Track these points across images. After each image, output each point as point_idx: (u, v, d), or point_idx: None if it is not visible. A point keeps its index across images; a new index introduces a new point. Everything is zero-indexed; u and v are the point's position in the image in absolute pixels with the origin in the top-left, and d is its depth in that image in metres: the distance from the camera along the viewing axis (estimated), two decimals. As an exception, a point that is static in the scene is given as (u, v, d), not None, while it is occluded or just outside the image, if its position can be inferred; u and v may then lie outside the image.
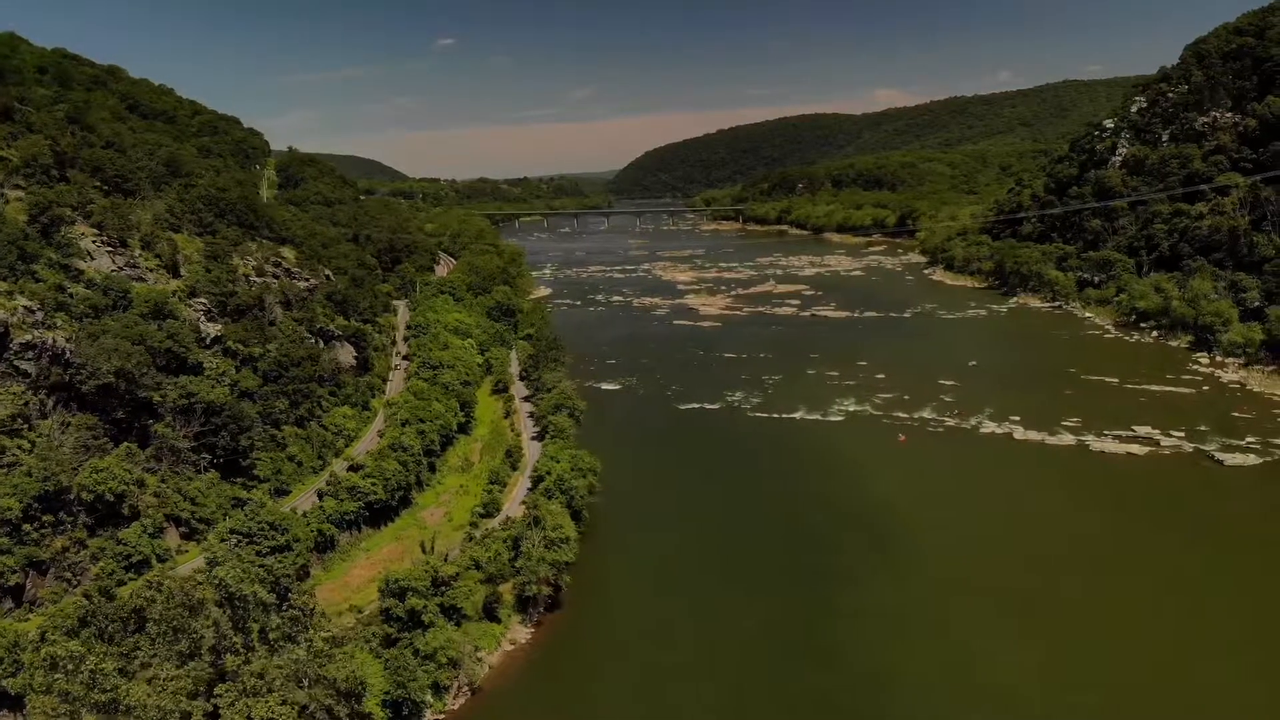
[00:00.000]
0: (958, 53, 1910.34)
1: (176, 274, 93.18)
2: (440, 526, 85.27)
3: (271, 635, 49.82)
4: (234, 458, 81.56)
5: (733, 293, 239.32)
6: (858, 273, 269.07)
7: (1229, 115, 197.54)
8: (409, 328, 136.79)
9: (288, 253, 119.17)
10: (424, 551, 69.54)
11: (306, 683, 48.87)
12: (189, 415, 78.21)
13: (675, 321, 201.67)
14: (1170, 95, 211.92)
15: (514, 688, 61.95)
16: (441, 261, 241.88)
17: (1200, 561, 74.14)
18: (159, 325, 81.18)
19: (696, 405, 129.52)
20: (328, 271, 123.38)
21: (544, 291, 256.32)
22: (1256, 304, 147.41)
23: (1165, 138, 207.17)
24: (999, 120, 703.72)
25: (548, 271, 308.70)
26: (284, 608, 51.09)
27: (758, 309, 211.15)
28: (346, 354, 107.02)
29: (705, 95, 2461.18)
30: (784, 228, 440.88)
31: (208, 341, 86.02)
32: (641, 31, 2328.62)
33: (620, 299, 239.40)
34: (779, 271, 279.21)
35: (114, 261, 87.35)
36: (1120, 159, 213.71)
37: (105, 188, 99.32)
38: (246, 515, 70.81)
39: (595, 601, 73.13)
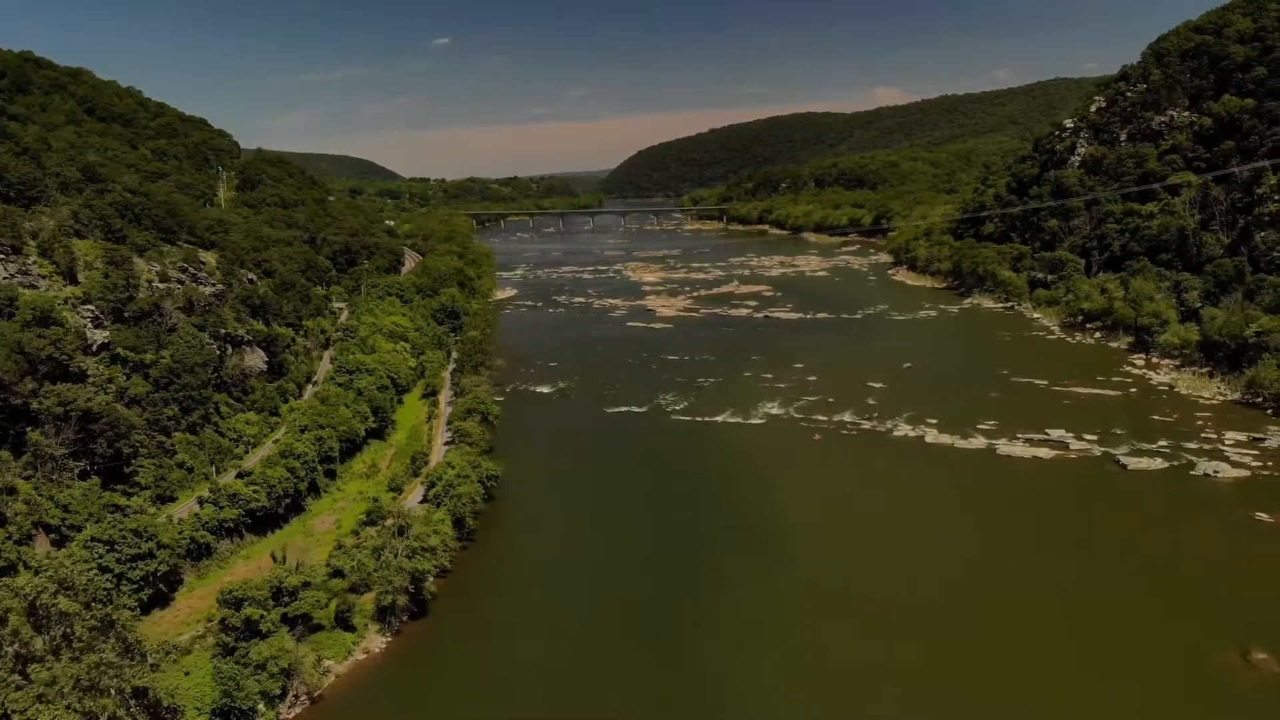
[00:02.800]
0: (955, 51, 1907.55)
1: (74, 281, 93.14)
2: (328, 534, 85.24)
3: (76, 645, 49.76)
4: (116, 465, 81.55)
5: (695, 293, 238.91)
6: (822, 273, 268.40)
7: (1186, 114, 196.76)
8: (339, 330, 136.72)
9: (209, 257, 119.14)
10: (275, 561, 69.50)
11: (112, 690, 48.90)
12: (66, 422, 78.14)
13: (629, 323, 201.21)
14: (1129, 95, 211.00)
15: (358, 695, 61.79)
16: (409, 262, 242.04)
17: (1065, 566, 73.63)
18: (41, 333, 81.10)
19: (625, 409, 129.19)
20: (251, 275, 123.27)
21: (509, 293, 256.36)
22: (1198, 305, 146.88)
23: (1123, 137, 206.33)
24: (989, 118, 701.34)
25: (519, 272, 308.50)
26: (86, 617, 50.90)
27: (714, 310, 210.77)
28: (257, 359, 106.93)
29: (704, 94, 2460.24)
30: (765, 227, 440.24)
31: (94, 348, 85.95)
32: (640, 31, 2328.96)
33: (582, 300, 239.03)
34: (747, 272, 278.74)
35: (4, 269, 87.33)
36: (1079, 159, 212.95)
37: (8, 194, 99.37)
38: (109, 523, 70.68)
39: (464, 609, 72.93)
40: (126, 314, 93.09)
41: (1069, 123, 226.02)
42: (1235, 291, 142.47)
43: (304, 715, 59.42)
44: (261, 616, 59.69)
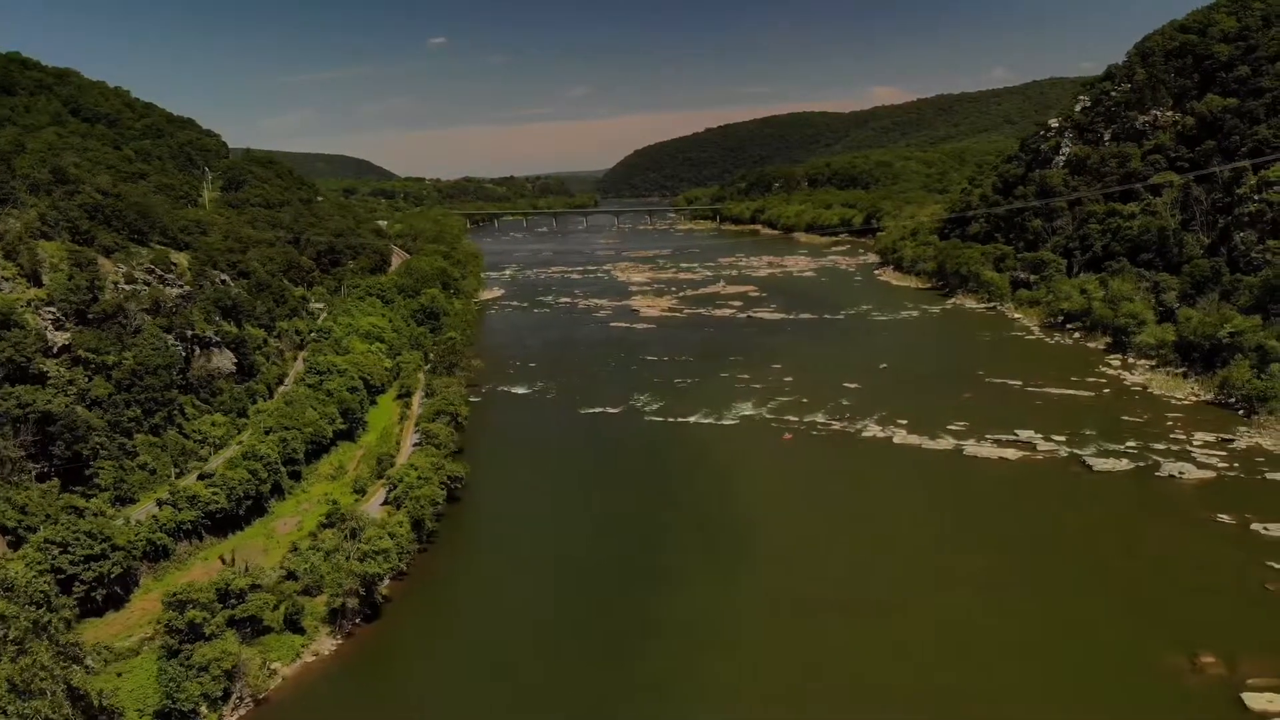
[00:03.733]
0: (954, 50, 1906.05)
1: (38, 283, 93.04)
2: (289, 536, 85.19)
3: (10, 648, 49.80)
4: (77, 466, 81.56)
5: (681, 294, 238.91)
6: (810, 274, 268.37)
7: (1170, 114, 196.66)
8: (313, 331, 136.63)
9: (181, 258, 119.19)
10: (224, 563, 69.53)
11: (47, 692, 48.96)
12: (24, 424, 78.15)
13: (613, 324, 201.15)
14: (1113, 94, 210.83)
15: (304, 697, 61.76)
16: (398, 262, 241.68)
17: (1020, 568, 73.71)
18: (1, 335, 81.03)
19: (599, 409, 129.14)
20: (223, 276, 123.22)
21: (496, 293, 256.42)
22: (1176, 305, 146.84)
23: (1107, 137, 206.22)
24: (985, 118, 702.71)
25: (508, 273, 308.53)
26: (22, 619, 50.94)
27: (698, 311, 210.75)
28: (225, 360, 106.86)
29: (702, 93, 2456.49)
30: (757, 227, 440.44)
31: (55, 350, 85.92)
32: (638, 30, 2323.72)
33: (568, 300, 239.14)
34: (735, 272, 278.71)
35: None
36: (1064, 158, 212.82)
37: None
38: (63, 524, 70.67)
39: (417, 611, 72.90)
40: (90, 316, 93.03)
41: (1054, 122, 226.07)
42: (1212, 292, 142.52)
43: (248, 717, 59.42)
44: (205, 619, 59.66)
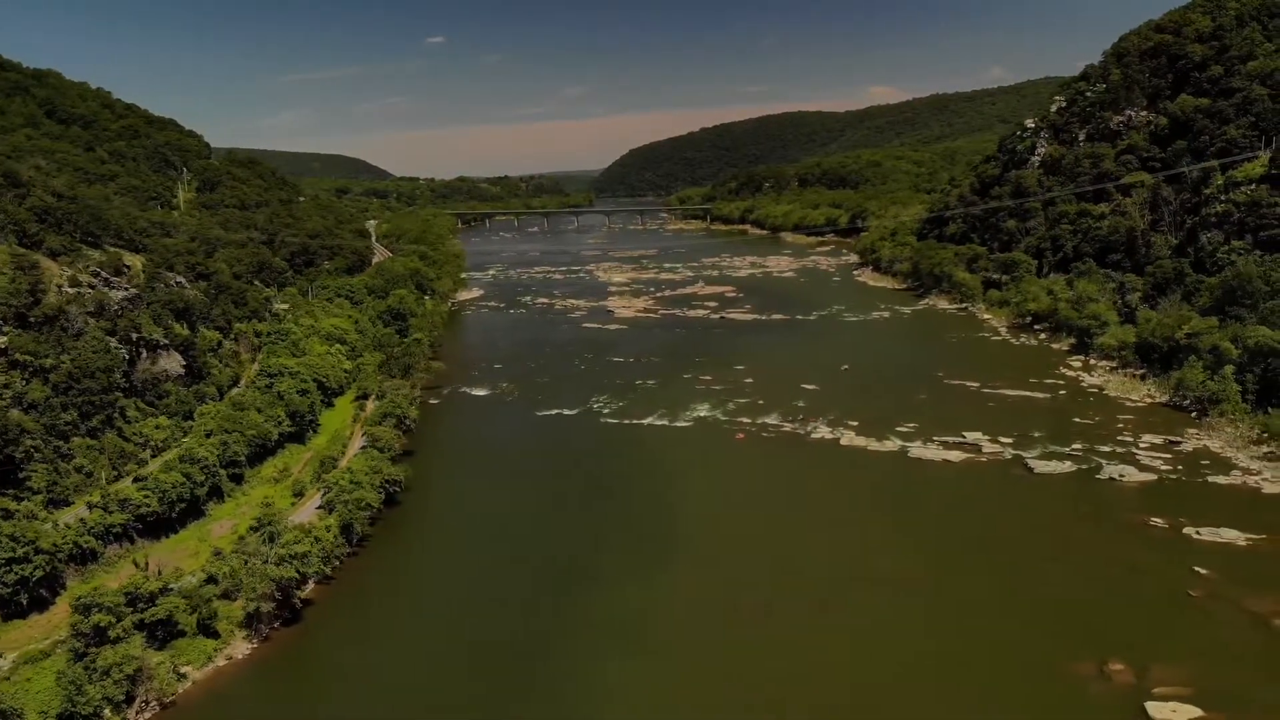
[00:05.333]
0: (951, 49, 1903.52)
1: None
2: (224, 538, 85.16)
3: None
4: (9, 469, 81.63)
5: (658, 295, 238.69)
6: (790, 274, 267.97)
7: (1143, 114, 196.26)
8: (271, 334, 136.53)
9: (135, 260, 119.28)
10: (137, 567, 69.62)
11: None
12: (-47, 428, 78.30)
13: (585, 324, 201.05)
14: (1088, 94, 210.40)
15: (213, 701, 61.87)
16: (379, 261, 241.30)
17: (943, 571, 73.64)
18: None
19: (556, 411, 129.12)
20: (179, 278, 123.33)
21: (475, 293, 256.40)
22: (1139, 306, 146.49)
23: (1082, 137, 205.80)
24: (979, 117, 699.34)
25: (491, 273, 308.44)
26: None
27: (672, 311, 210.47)
28: (173, 363, 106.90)
29: (700, 92, 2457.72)
30: (746, 227, 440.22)
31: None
32: (635, 29, 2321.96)
33: (545, 301, 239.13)
34: (715, 273, 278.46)
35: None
36: (1039, 159, 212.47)
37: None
38: (-17, 529, 70.74)
39: (339, 616, 72.81)
40: (31, 319, 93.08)
41: (1030, 123, 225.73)
42: (1174, 293, 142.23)
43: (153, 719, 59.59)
44: (111, 623, 59.74)
